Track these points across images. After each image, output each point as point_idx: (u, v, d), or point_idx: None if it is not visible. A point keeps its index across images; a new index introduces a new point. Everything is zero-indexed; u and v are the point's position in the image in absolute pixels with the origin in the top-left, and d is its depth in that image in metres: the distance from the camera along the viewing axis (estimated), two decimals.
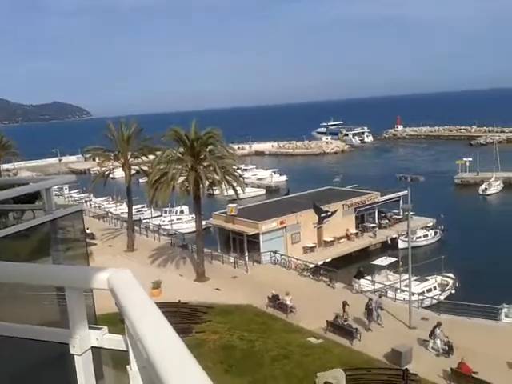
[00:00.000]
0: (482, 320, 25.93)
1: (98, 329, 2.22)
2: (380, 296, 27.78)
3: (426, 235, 44.32)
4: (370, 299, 26.56)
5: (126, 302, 1.84)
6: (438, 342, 22.98)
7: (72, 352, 2.16)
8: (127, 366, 1.91)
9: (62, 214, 4.79)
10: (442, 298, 31.49)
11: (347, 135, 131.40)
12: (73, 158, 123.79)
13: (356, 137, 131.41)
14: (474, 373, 19.99)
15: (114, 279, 2.00)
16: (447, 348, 22.62)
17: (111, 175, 47.82)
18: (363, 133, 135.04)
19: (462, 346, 22.64)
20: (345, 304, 26.07)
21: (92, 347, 2.20)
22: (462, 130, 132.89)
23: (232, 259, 37.77)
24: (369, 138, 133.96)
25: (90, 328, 2.21)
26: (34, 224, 4.83)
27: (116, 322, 2.74)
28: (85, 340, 2.17)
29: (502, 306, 27.24)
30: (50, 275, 2.31)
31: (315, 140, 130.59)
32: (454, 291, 32.48)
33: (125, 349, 1.98)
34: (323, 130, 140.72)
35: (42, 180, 5.24)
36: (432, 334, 23.24)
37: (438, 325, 23.33)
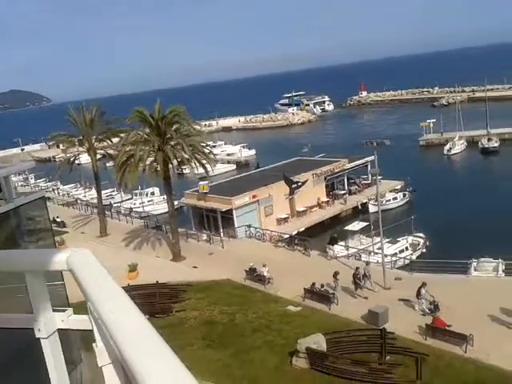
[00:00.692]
0: (453, 275, 26.82)
1: (63, 311, 2.21)
2: (367, 263, 27.78)
3: (395, 198, 45.21)
4: (358, 268, 26.57)
5: (85, 282, 1.83)
6: (424, 301, 23.22)
7: (38, 336, 2.15)
8: (93, 344, 1.92)
9: (23, 202, 4.68)
10: (413, 257, 32.36)
11: (308, 105, 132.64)
12: (36, 147, 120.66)
13: (317, 106, 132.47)
14: (447, 326, 20.76)
15: (73, 259, 1.99)
16: (433, 307, 22.82)
17: (77, 161, 46.94)
18: (324, 101, 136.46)
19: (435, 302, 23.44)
20: (336, 274, 26.21)
21: (58, 329, 2.19)
22: (425, 92, 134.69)
23: (206, 237, 37.89)
24: (330, 107, 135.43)
25: (54, 311, 2.20)
26: None
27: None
28: (50, 323, 2.16)
29: (471, 261, 28.15)
30: (6, 260, 2.27)
31: (281, 112, 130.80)
32: (425, 250, 33.40)
33: (90, 328, 1.98)
34: (286, 101, 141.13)
35: None
36: (418, 294, 23.35)
37: (423, 285, 23.39)
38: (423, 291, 23.32)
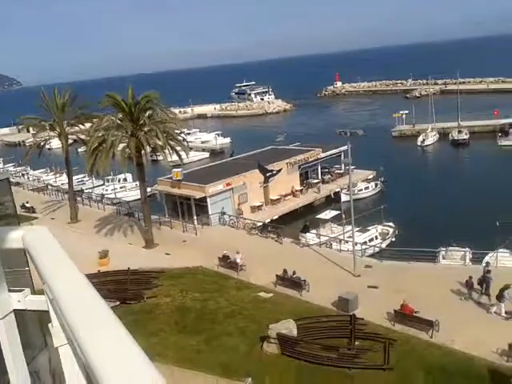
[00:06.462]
0: (421, 263, 27.40)
1: (20, 291, 2.13)
2: (487, 264, 24.67)
3: (367, 187, 45.83)
4: (487, 271, 23.12)
5: (41, 261, 1.76)
6: (505, 304, 21.21)
7: None
8: (49, 325, 1.84)
9: None
10: (383, 246, 32.96)
11: (250, 95, 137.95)
12: (5, 130, 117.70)
13: (258, 96, 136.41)
14: (415, 312, 21.28)
15: (29, 238, 1.93)
16: None
17: (48, 146, 46.03)
18: (265, 92, 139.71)
19: (404, 289, 23.94)
20: (471, 283, 23.21)
21: (14, 310, 2.11)
22: (399, 84, 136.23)
23: (180, 223, 37.74)
24: (270, 97, 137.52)
25: (10, 291, 2.11)
26: None
27: None
28: (5, 303, 2.07)
29: (439, 249, 28.82)
30: None
31: (234, 100, 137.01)
32: (394, 239, 34.00)
33: (46, 309, 1.89)
34: (237, 90, 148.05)
35: None
36: (501, 297, 21.14)
37: (507, 287, 21.15)
38: (506, 293, 21.06)
